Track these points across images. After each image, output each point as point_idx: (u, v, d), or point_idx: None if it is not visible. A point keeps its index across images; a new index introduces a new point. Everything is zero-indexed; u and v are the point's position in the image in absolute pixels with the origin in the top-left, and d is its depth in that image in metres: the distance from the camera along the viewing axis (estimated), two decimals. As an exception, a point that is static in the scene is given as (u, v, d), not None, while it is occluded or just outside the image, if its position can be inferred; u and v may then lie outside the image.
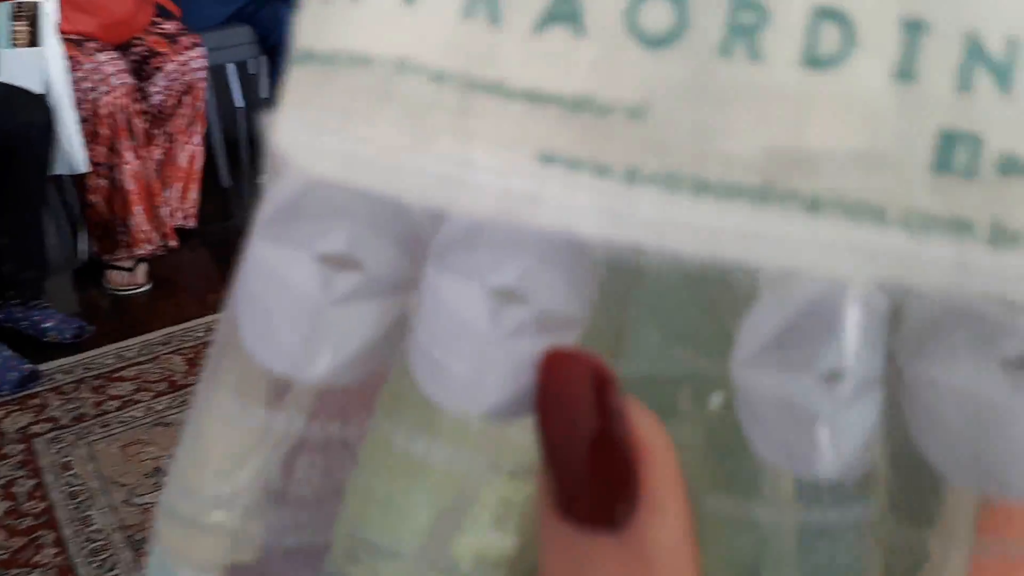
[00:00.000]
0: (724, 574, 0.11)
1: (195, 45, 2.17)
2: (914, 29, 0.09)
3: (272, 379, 0.11)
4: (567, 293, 0.10)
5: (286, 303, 0.11)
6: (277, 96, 0.13)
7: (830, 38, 0.09)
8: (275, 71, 2.53)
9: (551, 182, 0.10)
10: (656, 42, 0.10)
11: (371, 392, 0.11)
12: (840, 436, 0.10)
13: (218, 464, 0.12)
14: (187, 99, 2.17)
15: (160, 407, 1.60)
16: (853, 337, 0.10)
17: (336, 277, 0.11)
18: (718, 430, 0.11)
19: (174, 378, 1.68)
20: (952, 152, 0.09)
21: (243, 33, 2.49)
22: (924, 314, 0.10)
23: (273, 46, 2.48)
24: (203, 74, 2.20)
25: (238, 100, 3.34)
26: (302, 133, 0.11)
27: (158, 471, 1.43)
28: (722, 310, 0.10)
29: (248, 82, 3.53)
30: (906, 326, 0.10)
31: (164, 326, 1.86)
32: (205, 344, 1.79)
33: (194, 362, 1.73)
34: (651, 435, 0.10)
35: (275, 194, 0.11)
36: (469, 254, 0.10)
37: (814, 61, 0.09)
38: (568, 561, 0.10)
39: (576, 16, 0.10)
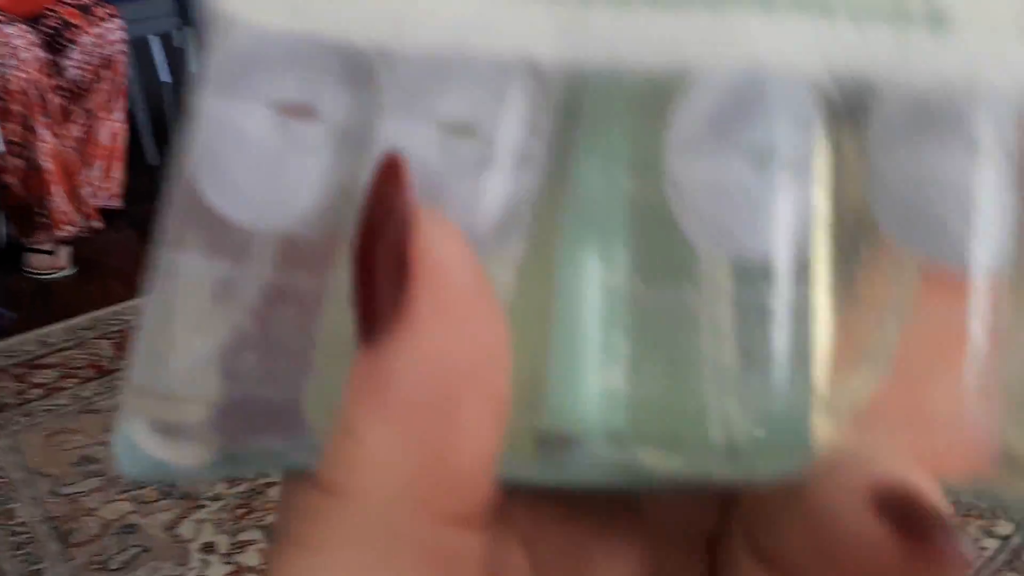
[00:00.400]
0: (666, 367, 0.11)
1: (112, 16, 2.07)
2: None
3: (236, 231, 0.11)
4: (520, 126, 0.10)
5: (246, 154, 0.11)
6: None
7: None
8: (202, 44, 2.44)
9: (505, 8, 0.10)
10: None
11: (336, 243, 0.11)
12: (771, 216, 0.10)
13: (190, 323, 0.11)
14: (106, 73, 2.08)
15: (87, 393, 1.54)
16: (781, 118, 0.10)
17: (293, 125, 0.11)
18: (654, 226, 0.11)
19: (101, 363, 1.62)
20: None
21: (165, 4, 2.40)
22: (888, 108, 0.11)
23: (197, 17, 2.40)
24: (122, 47, 2.11)
25: (164, 74, 3.23)
26: None
27: (86, 460, 1.38)
28: (660, 125, 0.11)
29: (174, 56, 3.42)
30: (873, 119, 0.11)
31: (90, 310, 1.79)
32: (135, 328, 1.73)
33: (122, 346, 1.67)
34: (441, 253, 0.09)
35: (222, 49, 0.11)
36: (416, 94, 0.10)
37: None
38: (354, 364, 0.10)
39: None
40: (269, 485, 1.33)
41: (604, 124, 0.11)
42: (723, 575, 0.12)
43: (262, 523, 1.26)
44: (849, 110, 0.11)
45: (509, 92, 0.10)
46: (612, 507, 0.13)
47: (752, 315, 0.11)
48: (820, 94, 0.11)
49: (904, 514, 0.10)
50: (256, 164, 0.11)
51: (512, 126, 0.10)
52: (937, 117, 0.11)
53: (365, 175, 0.10)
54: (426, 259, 0.09)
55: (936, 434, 0.11)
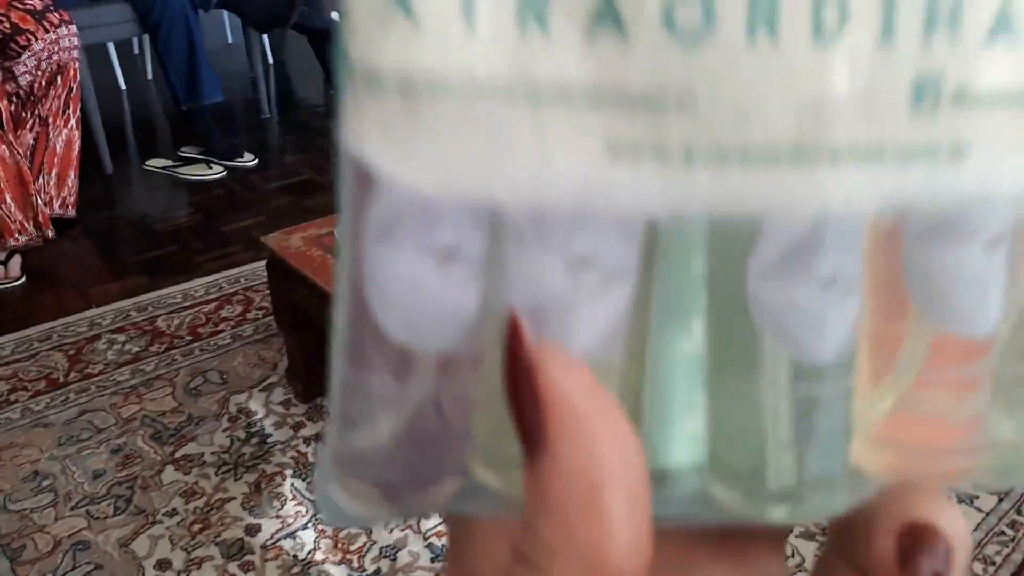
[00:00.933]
0: (736, 422, 0.14)
1: (66, 22, 2.04)
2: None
3: (404, 351, 0.14)
4: (626, 252, 0.13)
5: (410, 292, 0.13)
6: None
7: (831, 15, 0.12)
8: (159, 50, 2.41)
9: (620, 170, 0.12)
10: (692, 38, 0.12)
11: (483, 353, 0.14)
12: (834, 327, 0.13)
13: (369, 419, 0.14)
14: (59, 80, 2.05)
15: (39, 407, 1.50)
16: (840, 250, 0.13)
17: (447, 265, 0.13)
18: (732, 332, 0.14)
19: (54, 376, 1.59)
20: (923, 92, 0.12)
21: (120, 10, 2.36)
22: (917, 218, 0.13)
23: (155, 24, 2.36)
24: (76, 53, 2.07)
25: (121, 81, 3.18)
26: (394, 157, 0.12)
27: (37, 475, 1.35)
28: (735, 256, 0.13)
29: (131, 62, 3.37)
30: (906, 227, 0.14)
31: (43, 321, 1.75)
32: (88, 339, 1.70)
33: (76, 358, 1.64)
34: (568, 389, 0.12)
35: (381, 205, 0.13)
36: (546, 235, 0.13)
37: (820, 36, 0.12)
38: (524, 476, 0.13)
39: (619, 21, 0.12)
40: (226, 501, 1.31)
41: (685, 244, 0.14)
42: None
43: (218, 539, 1.24)
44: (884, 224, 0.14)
45: (622, 234, 0.13)
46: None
47: (804, 402, 0.14)
48: (869, 223, 0.14)
49: (913, 551, 0.14)
50: (416, 297, 0.13)
51: (623, 258, 0.13)
52: (955, 223, 0.14)
53: (503, 300, 0.13)
54: (552, 394, 0.12)
55: (941, 457, 0.15)
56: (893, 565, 0.15)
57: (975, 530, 1.29)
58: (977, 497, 1.35)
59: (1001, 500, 1.34)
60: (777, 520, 0.15)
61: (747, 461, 0.14)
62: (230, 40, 3.75)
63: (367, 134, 0.13)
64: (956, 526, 0.15)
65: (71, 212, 2.12)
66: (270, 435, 1.44)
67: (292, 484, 1.34)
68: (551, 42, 0.12)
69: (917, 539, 0.15)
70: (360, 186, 0.13)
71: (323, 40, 2.73)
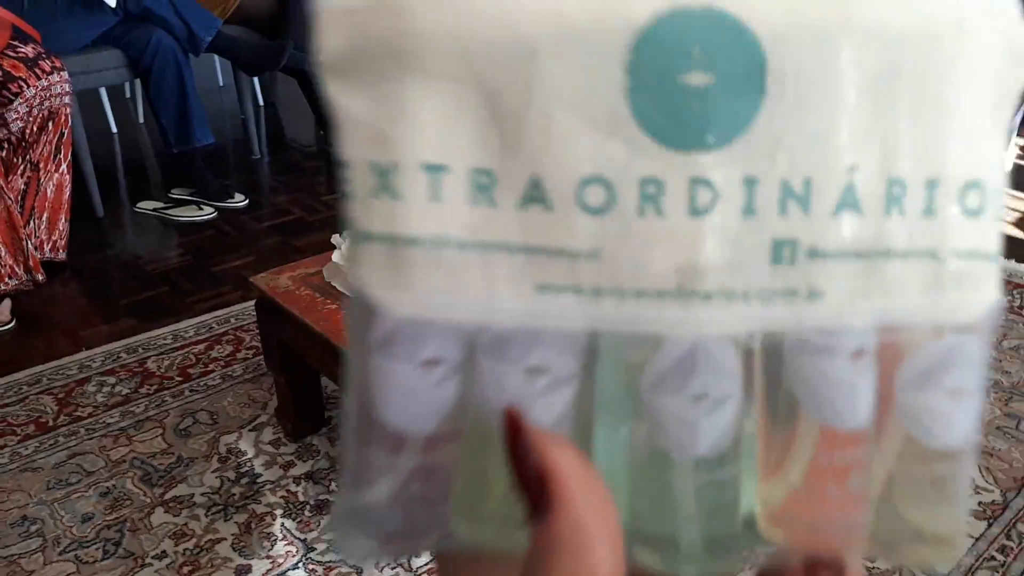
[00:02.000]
0: (652, 499, 0.19)
1: (57, 69, 2.06)
2: (751, 183, 0.16)
3: (398, 434, 0.18)
4: (568, 363, 0.18)
5: (402, 391, 0.18)
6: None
7: (704, 197, 0.16)
8: (150, 95, 2.44)
9: (546, 303, 0.17)
10: (598, 211, 0.16)
11: (459, 432, 0.18)
12: (706, 432, 0.17)
13: (370, 481, 0.19)
14: (51, 126, 2.07)
15: (27, 451, 1.50)
16: (713, 373, 0.17)
17: (430, 372, 0.18)
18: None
19: (43, 419, 1.59)
20: (781, 251, 0.16)
21: (112, 56, 2.40)
22: (790, 342, 0.17)
23: (146, 70, 2.39)
24: (67, 99, 2.10)
25: (112, 125, 3.21)
26: (384, 291, 0.18)
27: (25, 519, 1.35)
28: (635, 367, 0.18)
29: (122, 106, 3.40)
30: (784, 348, 0.17)
31: (33, 365, 1.75)
32: (78, 382, 1.70)
33: (65, 402, 1.64)
34: (562, 461, 0.16)
35: (379, 328, 0.18)
36: (507, 350, 0.17)
37: (695, 212, 0.16)
38: (532, 540, 0.17)
39: (544, 199, 0.16)
40: (216, 542, 1.30)
41: (613, 359, 0.18)
42: None
43: (208, 580, 1.24)
44: (767, 344, 0.18)
45: (566, 351, 0.18)
46: None
47: (702, 487, 0.18)
48: (742, 347, 0.17)
49: None
50: (407, 397, 0.18)
51: (566, 368, 0.18)
52: (822, 341, 0.17)
53: (474, 393, 0.18)
54: (555, 467, 0.16)
55: (831, 529, 0.18)
56: None
57: (965, 556, 1.29)
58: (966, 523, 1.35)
59: (990, 525, 1.35)
60: None
61: (664, 531, 0.18)
62: (221, 82, 3.79)
63: (366, 276, 0.18)
64: None
65: (62, 256, 2.13)
66: (260, 475, 1.44)
67: (282, 524, 1.33)
68: (496, 213, 0.17)
69: None
70: (363, 313, 0.19)
71: (313, 82, 2.76)
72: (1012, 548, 1.31)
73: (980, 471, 1.46)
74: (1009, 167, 2.96)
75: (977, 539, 1.32)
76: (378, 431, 0.19)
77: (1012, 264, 2.23)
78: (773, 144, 0.15)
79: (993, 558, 1.29)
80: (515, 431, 0.17)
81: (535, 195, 0.16)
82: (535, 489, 0.17)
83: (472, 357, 0.18)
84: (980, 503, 1.39)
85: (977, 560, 1.28)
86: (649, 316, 0.17)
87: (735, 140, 0.15)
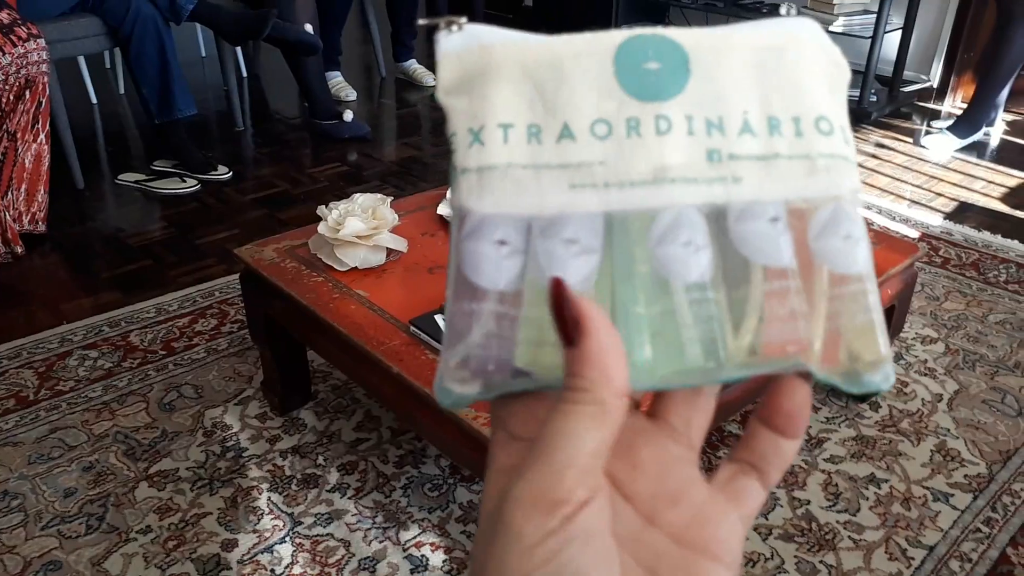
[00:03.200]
0: (663, 324, 0.28)
1: (33, 36, 2.02)
2: (689, 118, 0.29)
3: (480, 289, 0.27)
4: (593, 238, 0.28)
5: (483, 260, 0.27)
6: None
7: (663, 125, 0.29)
8: (130, 64, 2.39)
9: (574, 195, 0.28)
10: (603, 138, 0.28)
11: (522, 292, 0.27)
12: (697, 263, 0.28)
13: (462, 330, 0.28)
14: (28, 95, 2.03)
15: (8, 425, 1.48)
16: (691, 229, 0.28)
17: (502, 248, 0.27)
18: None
19: (23, 394, 1.56)
20: (712, 155, 0.28)
21: (90, 24, 2.34)
22: (733, 211, 0.28)
23: (126, 38, 2.34)
24: (45, 67, 2.05)
25: (92, 95, 3.15)
26: (474, 199, 0.28)
27: (5, 495, 1.33)
28: (639, 234, 0.28)
29: (103, 77, 3.34)
30: (729, 216, 0.28)
31: (12, 339, 1.72)
32: (59, 356, 1.67)
33: (46, 376, 1.61)
34: (590, 311, 0.25)
35: (469, 222, 0.28)
36: (551, 230, 0.27)
37: (659, 133, 0.28)
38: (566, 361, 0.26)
39: (571, 135, 0.28)
40: (201, 516, 1.29)
41: (622, 230, 0.28)
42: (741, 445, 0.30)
43: (194, 555, 1.23)
44: (717, 215, 0.28)
45: (590, 228, 0.28)
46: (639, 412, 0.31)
47: (696, 304, 0.28)
48: (706, 212, 0.28)
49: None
50: (487, 264, 0.28)
51: (592, 241, 0.28)
52: (750, 212, 0.28)
53: (532, 265, 0.27)
54: (587, 313, 0.25)
55: (786, 339, 0.28)
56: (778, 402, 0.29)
57: (951, 528, 1.30)
58: (952, 495, 1.36)
59: (976, 498, 1.36)
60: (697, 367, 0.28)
61: (672, 342, 0.28)
62: (203, 53, 3.73)
63: (463, 194, 0.28)
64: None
65: (41, 228, 2.09)
66: (246, 449, 1.42)
67: (269, 498, 1.32)
68: (542, 147, 0.28)
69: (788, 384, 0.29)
70: (460, 218, 0.28)
71: (297, 52, 2.72)
72: (998, 520, 1.32)
73: (966, 444, 1.47)
74: (996, 143, 2.96)
75: (963, 511, 1.33)
76: (468, 288, 0.28)
77: (998, 239, 2.23)
78: (697, 99, 0.28)
79: (979, 530, 1.30)
80: (559, 291, 0.25)
81: (566, 133, 0.28)
82: (571, 327, 0.25)
83: (530, 242, 0.27)
84: (966, 476, 1.40)
85: (963, 532, 1.29)
86: (639, 197, 0.28)
87: (677, 96, 0.28)
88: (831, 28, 3.20)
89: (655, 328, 0.28)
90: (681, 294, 0.28)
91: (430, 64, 3.57)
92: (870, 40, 3.10)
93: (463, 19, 0.30)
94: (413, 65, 3.52)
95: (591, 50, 0.29)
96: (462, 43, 0.29)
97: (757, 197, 0.28)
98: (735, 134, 0.28)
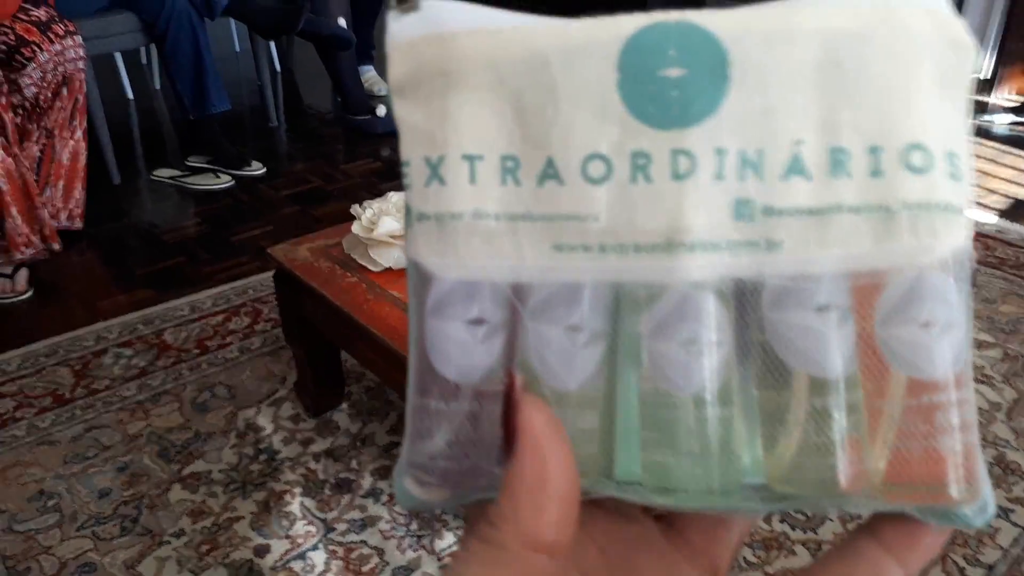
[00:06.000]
0: (662, 442, 0.21)
1: (71, 33, 2.02)
2: (720, 153, 0.20)
3: (451, 383, 0.22)
4: (600, 316, 0.21)
5: (452, 346, 0.21)
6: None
7: (683, 164, 0.20)
8: (165, 60, 2.39)
9: (562, 259, 0.21)
10: (599, 181, 0.20)
11: (497, 387, 0.21)
12: (698, 372, 0.21)
13: (431, 430, 0.22)
14: (65, 91, 2.03)
15: (44, 424, 1.48)
16: (697, 323, 0.21)
17: (476, 329, 0.21)
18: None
19: (60, 392, 1.56)
20: (741, 209, 0.20)
21: (126, 21, 2.34)
22: (769, 291, 0.20)
23: (162, 34, 2.34)
24: (82, 64, 2.05)
25: (128, 91, 3.17)
26: (435, 259, 0.21)
27: (42, 494, 1.33)
28: (640, 317, 0.21)
29: (138, 72, 3.36)
30: (763, 297, 0.20)
31: (49, 336, 1.73)
32: (95, 354, 1.67)
33: (82, 373, 1.61)
34: (531, 424, 0.20)
35: (433, 292, 0.21)
36: (554, 310, 0.21)
37: (677, 176, 0.20)
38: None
39: (556, 175, 0.21)
40: (234, 520, 1.28)
41: (628, 313, 0.21)
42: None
43: (227, 560, 1.21)
44: (740, 293, 0.20)
45: (598, 309, 0.21)
46: (658, 526, 0.25)
47: (703, 424, 0.22)
48: (721, 294, 0.20)
49: None
50: (458, 351, 0.21)
51: (599, 325, 0.21)
52: (790, 295, 0.20)
53: (516, 352, 0.21)
54: (525, 424, 0.20)
55: (833, 474, 0.21)
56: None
57: (1011, 546, 1.24)
58: (1013, 511, 1.31)
59: (1034, 513, 1.30)
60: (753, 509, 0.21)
61: (671, 469, 0.21)
62: (237, 48, 3.73)
63: (421, 248, 0.21)
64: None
65: (78, 224, 2.10)
66: (279, 451, 1.41)
67: (302, 503, 1.31)
68: (520, 189, 0.21)
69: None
70: (420, 280, 0.22)
71: (330, 47, 2.70)
72: (1056, 536, 1.26)
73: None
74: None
75: None
76: (435, 381, 0.22)
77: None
78: (735, 122, 0.19)
79: (1037, 546, 1.24)
80: (509, 389, 0.20)
81: (550, 172, 0.20)
82: (509, 437, 0.20)
83: (513, 319, 0.21)
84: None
85: None
86: (644, 267, 0.20)
87: (706, 119, 0.20)
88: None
89: (651, 439, 0.21)
90: (685, 409, 0.20)
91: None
92: None
93: None
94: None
95: (589, 47, 0.20)
96: (417, 28, 0.21)
97: (802, 271, 0.19)
98: (777, 175, 0.19)
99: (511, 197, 0.21)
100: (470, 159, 0.21)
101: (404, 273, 1.32)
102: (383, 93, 3.21)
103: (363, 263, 1.34)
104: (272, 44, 3.30)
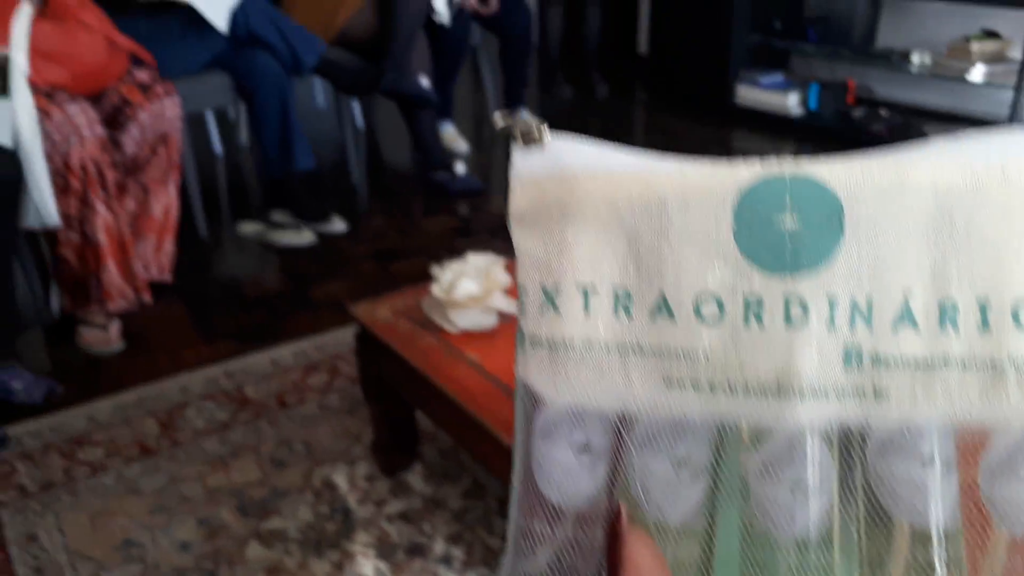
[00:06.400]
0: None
1: (169, 94, 2.12)
2: (832, 301, 0.20)
3: (555, 507, 0.21)
4: (704, 451, 0.21)
5: (558, 470, 0.22)
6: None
7: (796, 311, 0.20)
8: (254, 118, 2.49)
9: (671, 395, 0.21)
10: (711, 322, 0.21)
11: (601, 512, 0.21)
12: (802, 516, 0.20)
13: (531, 551, 0.22)
14: (162, 149, 2.13)
15: (131, 474, 1.52)
16: (807, 465, 0.20)
17: (582, 455, 0.21)
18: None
19: (146, 442, 1.61)
20: (850, 357, 0.20)
21: (220, 80, 2.46)
22: (875, 439, 0.20)
23: (251, 92, 2.45)
24: (178, 123, 2.15)
25: (217, 147, 3.30)
26: (546, 384, 0.22)
27: (128, 543, 1.36)
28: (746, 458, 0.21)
29: (226, 128, 3.50)
30: (868, 445, 0.20)
31: (137, 384, 1.79)
32: (180, 406, 1.72)
33: (168, 425, 1.66)
34: (637, 554, 0.20)
35: (542, 416, 0.22)
36: (661, 443, 0.21)
37: (789, 323, 0.20)
38: None
39: (669, 311, 0.21)
40: (310, 581, 1.29)
41: (733, 451, 0.20)
42: None
43: (302, 622, 1.22)
44: (846, 440, 0.20)
45: (703, 443, 0.20)
46: None
47: (804, 569, 0.21)
48: (827, 439, 0.20)
49: None
50: (563, 475, 0.21)
51: (704, 460, 0.21)
52: (898, 444, 0.20)
53: (620, 480, 0.21)
54: (630, 557, 0.20)
55: None
56: None
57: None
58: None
59: None
60: None
61: None
62: (320, 104, 3.87)
63: (532, 372, 0.22)
64: None
65: (168, 277, 2.18)
66: (353, 511, 1.42)
67: (375, 566, 1.31)
68: (632, 322, 0.21)
69: None
70: (529, 402, 0.22)
71: (412, 105, 2.78)
72: None
73: None
74: None
75: None
76: (539, 504, 0.22)
77: None
78: (847, 272, 0.20)
79: None
80: (615, 525, 0.21)
81: (662, 308, 0.21)
82: (615, 569, 0.20)
83: (618, 447, 0.21)
84: None
85: None
86: (753, 408, 0.20)
87: (819, 267, 0.20)
88: (969, 77, 3.05)
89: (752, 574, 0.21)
90: (787, 553, 0.20)
91: (541, 113, 3.59)
92: (1013, 91, 2.93)
93: (543, 126, 0.23)
94: (523, 115, 3.55)
95: (705, 193, 0.21)
96: (541, 165, 0.22)
97: (908, 421, 0.19)
98: (887, 325, 0.19)
99: (623, 329, 0.22)
100: (584, 290, 0.22)
101: (480, 335, 1.33)
102: (462, 151, 3.28)
103: (441, 324, 1.36)
104: (355, 101, 3.41)
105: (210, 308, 2.16)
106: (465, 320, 1.34)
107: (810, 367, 0.20)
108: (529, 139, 0.23)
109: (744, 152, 3.45)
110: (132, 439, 1.62)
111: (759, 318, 0.20)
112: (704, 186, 0.21)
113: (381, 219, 2.70)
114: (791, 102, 3.51)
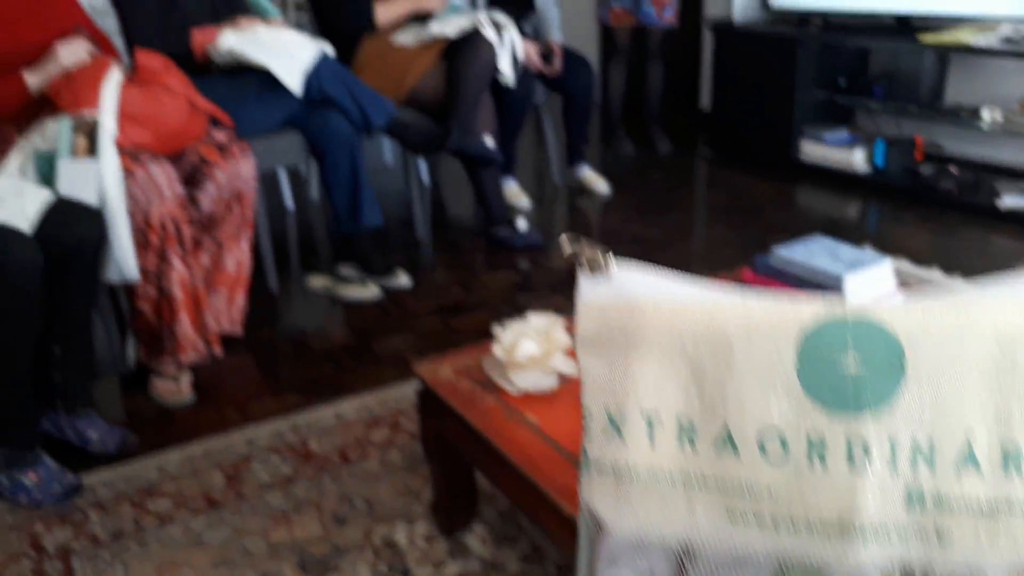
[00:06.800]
0: None
1: (245, 154, 2.21)
2: (894, 443, 0.28)
3: None
4: None
5: None
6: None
7: (858, 452, 0.27)
8: (325, 175, 2.57)
9: (734, 529, 0.31)
10: (775, 461, 0.30)
11: None
12: None
13: None
14: (236, 206, 2.21)
15: (198, 527, 1.56)
16: None
17: None
18: None
19: (213, 495, 1.65)
20: (912, 498, 0.27)
21: (293, 139, 2.55)
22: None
23: (323, 151, 2.53)
24: (253, 183, 2.23)
25: (289, 203, 3.41)
26: (610, 512, 0.30)
27: (191, 597, 1.38)
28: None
29: (298, 185, 3.62)
30: None
31: (205, 435, 1.83)
32: (246, 458, 1.76)
33: (234, 477, 1.70)
34: None
35: (607, 543, 0.30)
36: (714, 572, 0.31)
37: (852, 463, 0.27)
38: None
39: (735, 447, 0.31)
40: (368, 643, 1.29)
41: None
42: None
43: None
44: None
45: (758, 573, 0.29)
46: None
47: None
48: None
49: None
50: None
51: None
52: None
53: None
54: None
55: None
56: None
57: None
58: None
59: None
60: None
61: None
62: (389, 162, 3.97)
63: (596, 498, 0.30)
64: None
65: (238, 330, 2.25)
66: (412, 572, 1.42)
67: (433, 628, 1.30)
68: (697, 454, 0.30)
69: None
70: (594, 527, 0.28)
71: (477, 163, 2.83)
72: None
73: None
74: None
75: None
76: None
77: None
78: (908, 413, 0.19)
79: None
80: None
81: (726, 441, 0.21)
82: None
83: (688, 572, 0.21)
84: None
85: None
86: (816, 547, 0.20)
87: (881, 408, 0.20)
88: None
89: None
90: None
91: (603, 169, 3.62)
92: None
93: (608, 254, 0.23)
94: (585, 171, 3.58)
95: (769, 330, 0.19)
96: (607, 294, 0.23)
97: (971, 565, 0.17)
98: (950, 466, 0.18)
99: (687, 461, 0.22)
100: (649, 419, 0.22)
101: (540, 397, 1.34)
102: (524, 207, 3.31)
103: (501, 384, 1.36)
104: (421, 159, 3.49)
105: (277, 361, 2.21)
106: (525, 381, 1.35)
107: (872, 508, 0.21)
108: (595, 267, 0.24)
109: (809, 209, 3.41)
110: (199, 491, 1.66)
111: (823, 458, 0.22)
112: (767, 322, 0.22)
113: (444, 274, 2.74)
114: (856, 159, 3.47)
